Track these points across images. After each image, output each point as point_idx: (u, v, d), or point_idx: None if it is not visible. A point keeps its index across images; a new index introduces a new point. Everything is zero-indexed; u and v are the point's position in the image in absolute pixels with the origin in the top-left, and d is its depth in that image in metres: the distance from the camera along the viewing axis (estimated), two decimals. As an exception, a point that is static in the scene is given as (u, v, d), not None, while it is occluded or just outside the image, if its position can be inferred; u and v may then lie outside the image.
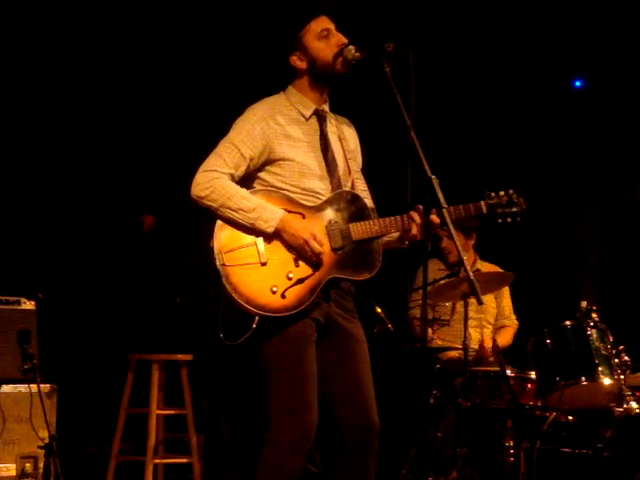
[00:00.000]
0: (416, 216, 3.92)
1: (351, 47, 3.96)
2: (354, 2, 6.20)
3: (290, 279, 3.83)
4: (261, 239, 3.85)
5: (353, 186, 4.10)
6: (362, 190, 4.10)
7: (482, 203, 4.02)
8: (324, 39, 4.00)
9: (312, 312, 3.88)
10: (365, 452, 3.93)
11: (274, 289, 3.81)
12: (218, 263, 3.80)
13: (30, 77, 6.82)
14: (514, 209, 4.06)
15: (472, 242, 6.85)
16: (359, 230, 3.93)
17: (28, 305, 5.70)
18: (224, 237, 3.85)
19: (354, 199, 4.01)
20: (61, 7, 6.78)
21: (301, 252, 3.84)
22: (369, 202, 4.08)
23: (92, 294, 7.00)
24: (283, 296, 3.82)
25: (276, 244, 3.87)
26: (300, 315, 3.85)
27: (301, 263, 3.86)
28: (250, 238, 3.85)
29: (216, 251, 3.82)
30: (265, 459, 3.85)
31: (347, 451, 3.93)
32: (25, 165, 6.82)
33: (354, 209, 3.98)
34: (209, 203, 3.85)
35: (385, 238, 4.05)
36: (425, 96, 4.43)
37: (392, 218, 3.95)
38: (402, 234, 4.01)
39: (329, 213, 3.95)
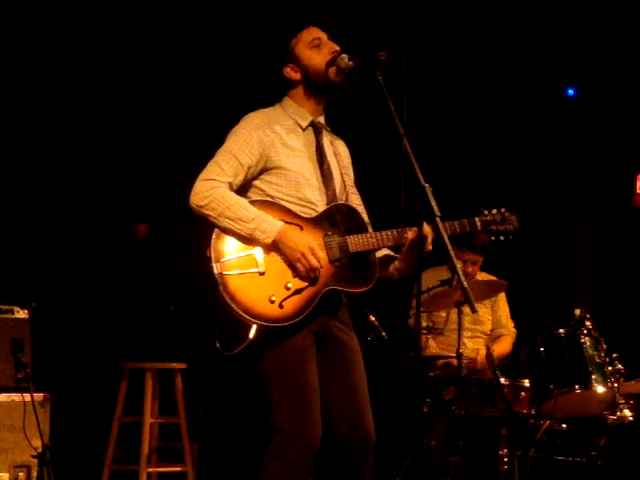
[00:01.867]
0: (416, 232, 3.91)
1: (344, 56, 3.96)
2: (346, 12, 6.22)
3: (288, 289, 3.82)
4: (259, 248, 3.84)
5: (347, 200, 4.11)
6: (357, 205, 4.12)
7: (476, 219, 4.03)
8: (315, 48, 4.00)
9: (310, 324, 3.87)
10: (362, 465, 3.91)
11: (272, 299, 3.79)
12: (216, 271, 3.77)
13: (22, 87, 6.82)
14: (507, 227, 4.07)
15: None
16: (356, 243, 3.92)
17: (21, 314, 5.69)
18: (222, 246, 3.83)
19: (351, 212, 4.01)
20: (57, 9, 6.79)
21: (297, 266, 3.82)
22: (364, 217, 4.09)
23: (86, 303, 6.99)
24: (281, 306, 3.80)
25: (274, 255, 3.85)
26: (299, 327, 3.83)
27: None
28: (249, 247, 3.84)
29: (214, 259, 3.79)
30: (268, 471, 3.81)
31: (343, 464, 3.91)
32: (18, 173, 6.82)
33: (351, 222, 3.98)
34: (208, 212, 3.83)
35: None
36: (418, 104, 4.44)
37: (389, 232, 3.95)
38: (399, 263, 4.01)
39: (326, 225, 3.94)
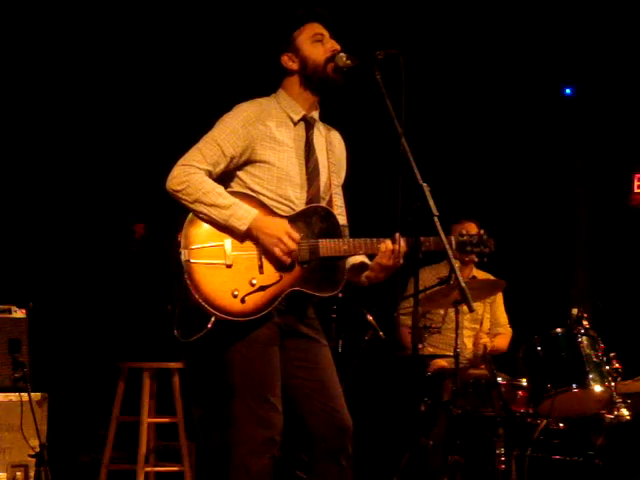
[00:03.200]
0: (389, 244, 3.91)
1: (342, 54, 3.96)
2: (347, 11, 6.21)
3: (253, 285, 3.83)
4: (230, 241, 3.84)
5: (331, 200, 4.10)
6: (338, 206, 4.10)
7: (452, 238, 4.02)
8: (317, 43, 4.01)
9: (273, 317, 3.88)
10: (339, 455, 3.92)
11: (235, 293, 3.80)
12: (183, 258, 3.79)
13: (21, 87, 6.82)
14: (482, 249, 4.08)
15: None
16: (328, 247, 3.92)
17: (19, 314, 5.70)
18: (193, 233, 3.84)
19: (328, 216, 4.00)
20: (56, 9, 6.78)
21: (275, 250, 3.82)
22: (342, 219, 4.08)
23: (83, 302, 6.98)
24: (243, 301, 3.81)
25: (245, 247, 3.85)
26: (263, 320, 3.85)
27: (265, 270, 3.85)
28: (219, 238, 3.84)
29: (182, 246, 3.81)
30: (233, 464, 3.84)
31: (321, 456, 3.92)
32: (16, 173, 6.81)
33: (325, 226, 3.97)
34: (184, 197, 3.84)
35: (351, 274, 4.05)
36: (416, 103, 4.44)
37: (362, 240, 3.95)
38: (369, 272, 4.02)
39: (300, 226, 3.93)
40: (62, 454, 6.26)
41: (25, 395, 5.45)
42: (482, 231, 4.11)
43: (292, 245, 3.83)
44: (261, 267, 3.85)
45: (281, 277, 3.87)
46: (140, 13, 7.02)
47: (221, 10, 7.11)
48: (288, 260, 3.84)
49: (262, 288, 3.83)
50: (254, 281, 3.83)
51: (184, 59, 7.22)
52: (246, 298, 3.81)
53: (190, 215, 3.85)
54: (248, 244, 3.86)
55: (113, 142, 7.18)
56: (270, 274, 3.86)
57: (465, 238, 4.05)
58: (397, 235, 3.90)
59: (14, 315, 5.68)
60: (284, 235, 3.82)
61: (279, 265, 3.86)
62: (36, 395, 5.59)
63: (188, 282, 3.78)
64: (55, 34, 6.82)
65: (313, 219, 3.96)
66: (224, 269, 3.82)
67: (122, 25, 7.00)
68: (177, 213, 3.95)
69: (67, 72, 6.96)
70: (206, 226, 3.85)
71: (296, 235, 3.86)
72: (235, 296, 3.80)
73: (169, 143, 6.99)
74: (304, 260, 3.90)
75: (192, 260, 3.79)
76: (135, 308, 6.73)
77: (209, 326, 3.79)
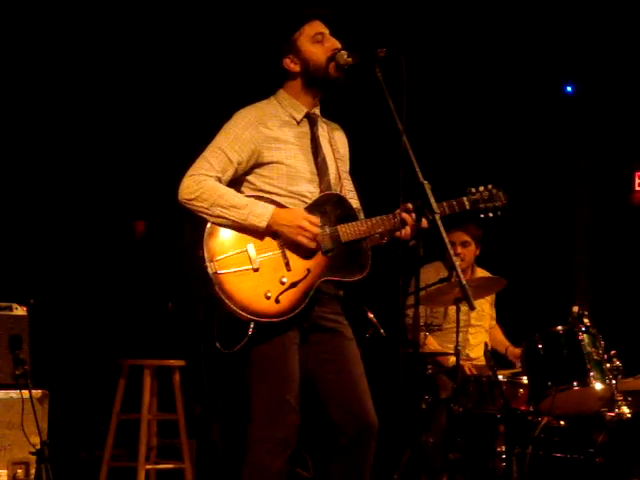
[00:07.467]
0: (408, 218, 3.92)
1: (343, 52, 3.98)
2: (347, 8, 6.20)
3: (283, 283, 3.84)
4: (252, 245, 3.86)
5: (342, 189, 4.12)
6: (349, 190, 4.16)
7: (464, 199, 4.04)
8: (318, 43, 4.03)
9: (298, 316, 3.89)
10: (362, 451, 3.94)
11: (268, 294, 3.82)
12: (210, 271, 3.79)
13: (22, 87, 6.82)
14: (495, 204, 4.08)
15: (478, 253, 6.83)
16: (347, 232, 3.95)
17: (20, 311, 5.68)
18: (214, 245, 3.85)
19: (340, 201, 4.03)
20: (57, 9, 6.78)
21: (299, 239, 3.85)
22: (355, 202, 4.13)
23: (84, 300, 6.98)
24: (277, 301, 3.82)
25: (267, 245, 3.87)
26: (291, 319, 3.85)
27: (293, 267, 3.87)
28: (241, 244, 3.85)
29: (207, 259, 3.81)
30: (248, 462, 3.87)
31: (343, 450, 3.93)
32: (16, 171, 6.81)
33: (340, 211, 4.01)
34: (199, 204, 3.85)
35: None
36: (417, 101, 4.44)
37: (379, 218, 3.98)
38: (387, 232, 4.03)
39: (317, 216, 3.95)
40: (63, 451, 6.25)
41: (26, 392, 5.44)
42: (490, 186, 4.09)
43: (315, 229, 3.87)
44: (287, 264, 3.88)
45: (309, 271, 3.89)
46: (139, 15, 7.02)
47: (223, 13, 7.10)
48: (314, 245, 3.87)
49: (293, 285, 3.86)
50: (284, 279, 3.85)
51: (183, 57, 7.22)
52: (280, 298, 3.83)
53: (208, 227, 3.86)
54: (270, 244, 3.89)
55: (113, 140, 7.17)
56: (298, 270, 3.88)
57: (476, 196, 4.05)
58: (408, 206, 3.89)
59: (15, 312, 5.66)
60: (304, 222, 3.85)
61: (305, 255, 3.88)
62: (37, 392, 5.58)
63: (220, 294, 3.79)
64: (55, 34, 6.82)
65: (327, 207, 3.99)
66: (252, 273, 3.84)
67: (122, 25, 7.00)
68: (177, 210, 3.95)
69: (68, 71, 6.95)
70: (226, 235, 3.87)
71: (315, 219, 3.89)
72: (268, 298, 3.82)
73: (169, 141, 7.04)
74: (327, 249, 3.92)
75: (220, 271, 3.80)
76: (136, 305, 6.74)
77: (250, 332, 3.80)
